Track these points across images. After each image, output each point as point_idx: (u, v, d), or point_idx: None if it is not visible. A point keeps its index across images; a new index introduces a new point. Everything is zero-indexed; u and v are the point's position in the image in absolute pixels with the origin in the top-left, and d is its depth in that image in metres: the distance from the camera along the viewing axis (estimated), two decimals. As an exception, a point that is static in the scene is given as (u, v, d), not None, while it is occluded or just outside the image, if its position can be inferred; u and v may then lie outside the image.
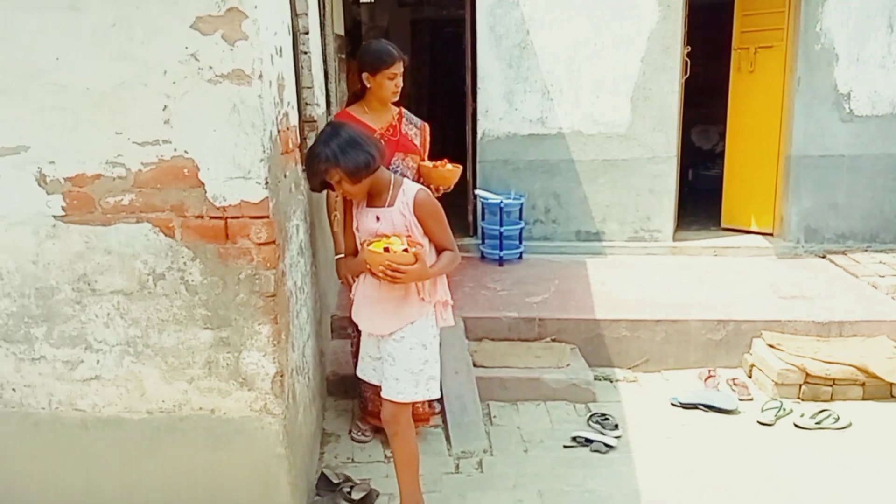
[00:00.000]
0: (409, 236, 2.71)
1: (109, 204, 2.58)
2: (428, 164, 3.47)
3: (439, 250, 2.80)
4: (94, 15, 2.42)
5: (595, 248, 5.96)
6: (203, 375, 2.73)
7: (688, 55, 5.86)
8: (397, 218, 2.73)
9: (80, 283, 2.66)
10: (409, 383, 2.77)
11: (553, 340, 4.43)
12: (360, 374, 3.08)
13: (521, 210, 5.71)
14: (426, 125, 3.60)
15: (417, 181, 3.39)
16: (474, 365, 4.08)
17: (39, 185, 2.57)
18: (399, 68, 3.31)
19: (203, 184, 2.55)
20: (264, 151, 2.52)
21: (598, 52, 5.68)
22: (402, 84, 3.36)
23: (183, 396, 2.75)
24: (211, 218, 2.58)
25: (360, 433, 3.60)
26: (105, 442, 2.79)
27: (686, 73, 5.84)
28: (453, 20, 7.69)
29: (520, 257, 5.72)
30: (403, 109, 3.53)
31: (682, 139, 6.30)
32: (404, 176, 3.31)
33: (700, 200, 7.25)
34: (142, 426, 2.77)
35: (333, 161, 2.65)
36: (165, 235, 2.60)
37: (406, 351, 2.77)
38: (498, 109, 5.84)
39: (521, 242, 5.75)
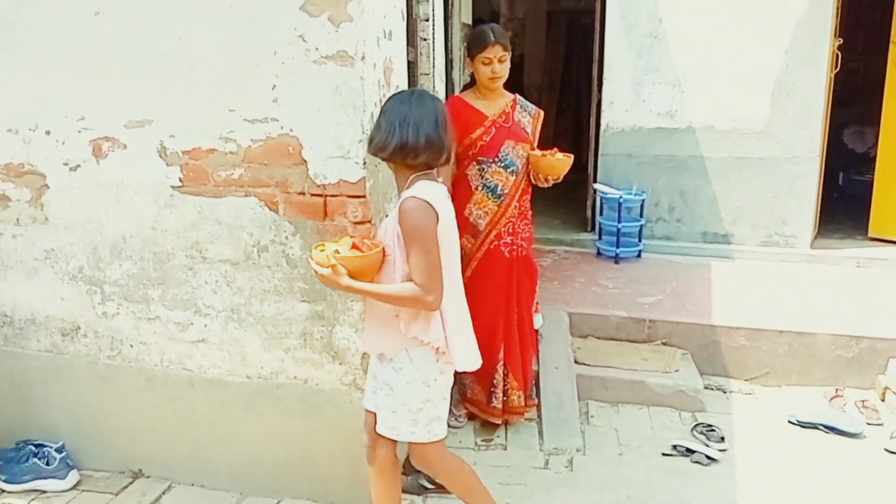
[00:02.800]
0: (364, 237, 2.36)
1: (221, 177, 2.74)
2: (537, 152, 3.37)
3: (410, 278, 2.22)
4: (214, -3, 2.57)
5: (722, 251, 5.62)
6: (299, 346, 2.83)
7: (840, 48, 5.38)
8: (390, 224, 2.29)
9: (193, 251, 2.84)
10: (406, 422, 2.35)
11: (664, 344, 4.22)
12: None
13: (642, 207, 5.49)
14: (540, 112, 3.50)
15: (527, 170, 3.37)
16: (576, 362, 3.97)
17: (160, 156, 2.77)
18: (494, 52, 3.19)
19: (306, 161, 2.64)
20: (364, 132, 2.57)
21: (737, 42, 5.33)
22: (501, 70, 3.24)
23: (280, 364, 2.87)
24: (312, 195, 2.67)
25: (454, 419, 3.61)
26: (209, 401, 2.97)
27: (836, 68, 5.36)
28: (589, 11, 7.51)
29: (638, 256, 5.51)
30: (518, 96, 3.44)
31: (831, 140, 5.82)
32: (513, 164, 3.32)
33: (850, 207, 6.65)
34: (241, 389, 2.92)
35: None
36: (270, 210, 2.73)
37: (403, 385, 2.33)
38: (624, 101, 5.64)
39: (640, 240, 5.53)
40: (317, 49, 2.53)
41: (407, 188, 2.27)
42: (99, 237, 2.91)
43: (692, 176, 5.63)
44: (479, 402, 3.49)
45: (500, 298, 3.38)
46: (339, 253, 2.21)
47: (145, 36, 2.68)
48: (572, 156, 3.35)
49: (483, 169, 3.32)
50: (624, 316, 4.30)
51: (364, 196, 2.63)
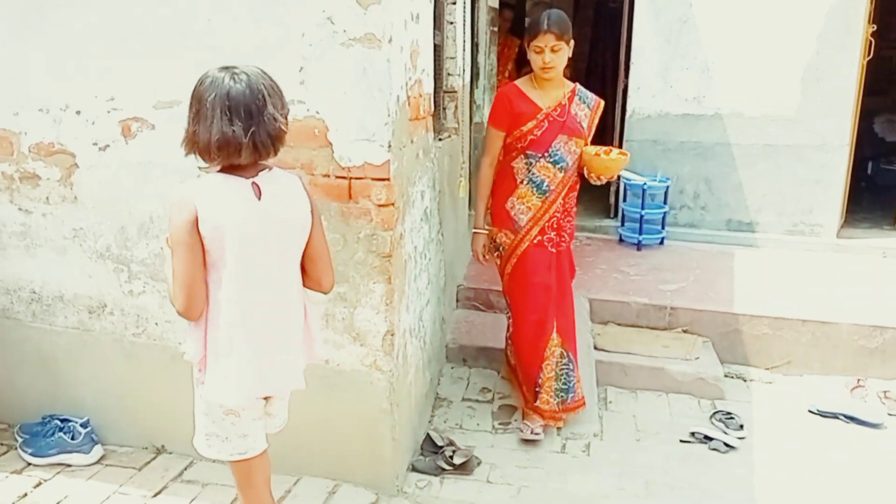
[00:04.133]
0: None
1: (247, 159, 2.75)
2: (591, 150, 3.20)
3: None
4: (242, -21, 2.57)
5: (747, 239, 5.57)
6: (321, 327, 2.85)
7: (874, 35, 5.27)
8: None
9: (219, 231, 2.86)
10: (197, 433, 2.10)
11: (684, 331, 4.21)
12: None
13: (666, 193, 5.45)
14: (600, 103, 3.29)
15: (578, 166, 3.25)
16: (595, 348, 3.98)
17: (188, 137, 2.79)
18: (545, 41, 2.99)
19: (331, 144, 2.65)
20: (389, 115, 2.58)
21: (768, 27, 5.24)
22: (554, 60, 3.03)
23: (303, 345, 2.90)
24: (336, 177, 2.68)
25: (530, 432, 3.27)
26: (233, 379, 3.01)
27: (869, 55, 5.26)
28: (618, -6, 7.41)
29: (661, 243, 5.48)
30: (578, 87, 3.22)
31: (861, 128, 5.72)
32: (563, 161, 3.17)
33: (878, 197, 6.57)
34: (265, 369, 2.96)
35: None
36: (295, 191, 2.74)
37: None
38: (651, 86, 5.58)
39: (663, 228, 5.49)
40: (344, 31, 2.53)
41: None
42: (127, 216, 2.95)
43: (718, 163, 5.57)
44: (536, 406, 3.31)
45: (547, 294, 3.26)
46: None
47: (174, 17, 2.70)
48: (628, 155, 3.22)
49: (531, 163, 3.17)
50: (645, 303, 4.29)
51: (388, 179, 2.64)
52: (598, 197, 6.28)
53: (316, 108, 2.64)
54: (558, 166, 3.17)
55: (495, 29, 6.16)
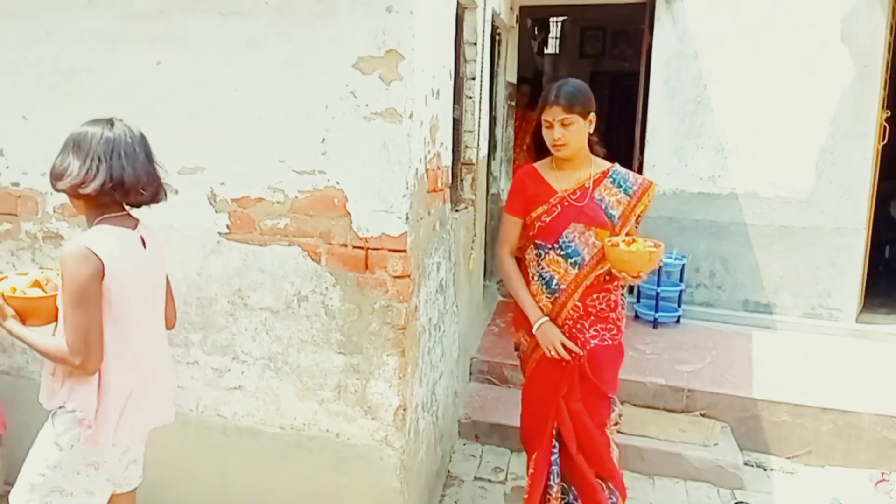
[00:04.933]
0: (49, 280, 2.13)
1: (267, 226, 2.78)
2: (613, 239, 2.62)
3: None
4: (271, 52, 2.66)
5: (763, 320, 5.49)
6: (333, 398, 2.82)
7: (889, 120, 5.33)
8: None
9: (235, 297, 2.86)
10: (23, 484, 2.06)
11: (702, 415, 4.11)
12: None
13: (682, 271, 5.42)
14: (649, 187, 2.72)
15: (600, 262, 2.66)
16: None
17: (210, 203, 2.82)
18: (553, 114, 2.59)
19: (350, 214, 2.67)
20: (407, 188, 2.60)
21: (781, 110, 5.31)
22: (565, 136, 2.60)
23: (313, 416, 2.85)
24: (354, 247, 2.69)
25: None
26: (241, 450, 2.95)
27: (884, 139, 5.30)
28: (633, 73, 7.59)
29: (677, 321, 5.41)
30: (615, 168, 2.74)
31: (878, 212, 5.71)
32: (577, 254, 2.67)
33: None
34: (274, 439, 2.90)
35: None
36: (312, 260, 2.75)
37: (38, 440, 2.09)
38: (666, 164, 5.63)
39: (679, 306, 5.44)
40: (367, 105, 2.59)
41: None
42: (144, 279, 2.95)
43: (734, 242, 5.55)
44: None
45: (546, 413, 2.78)
46: (14, 290, 2.03)
47: (200, 86, 2.77)
48: (660, 247, 2.60)
49: (540, 255, 2.72)
50: (661, 384, 4.20)
51: (405, 251, 2.64)
52: (612, 272, 6.25)
53: (336, 178, 2.67)
54: (571, 261, 2.67)
55: (512, 103, 6.29)
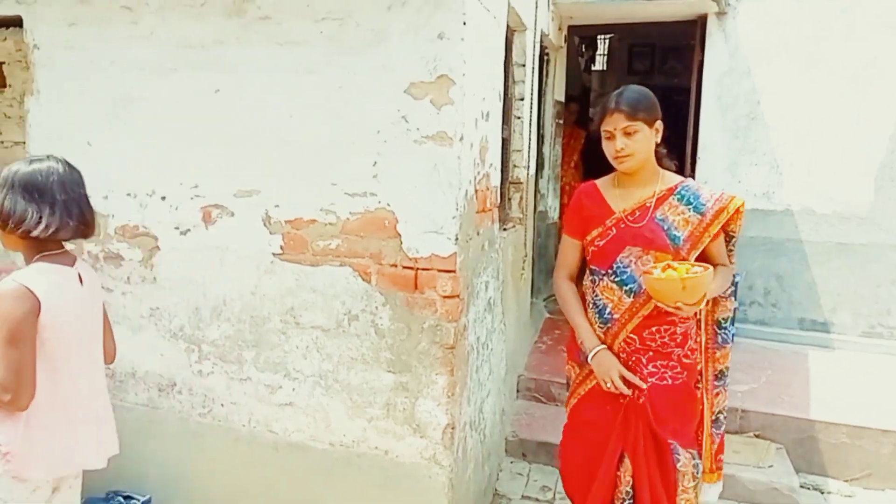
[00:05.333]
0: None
1: (319, 247, 2.84)
2: (648, 267, 2.31)
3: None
4: (324, 79, 2.73)
5: (820, 339, 5.34)
6: (381, 416, 2.85)
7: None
8: None
9: (287, 316, 2.93)
10: None
11: (756, 436, 4.02)
12: None
13: (735, 289, 5.30)
14: (728, 203, 2.35)
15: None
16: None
17: (265, 225, 2.91)
18: (614, 122, 2.32)
19: (400, 235, 2.72)
20: (457, 209, 2.64)
21: (838, 126, 5.19)
22: (629, 147, 2.31)
23: (362, 434, 2.89)
24: (403, 267, 2.73)
25: None
26: (291, 465, 3.01)
27: (947, 154, 5.13)
28: (683, 89, 7.52)
29: (731, 340, 5.29)
30: (686, 183, 2.41)
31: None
32: (633, 281, 2.38)
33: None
34: (324, 456, 2.95)
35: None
36: (363, 280, 2.80)
37: None
38: (719, 181, 5.54)
39: (733, 324, 5.30)
40: (417, 129, 2.64)
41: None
42: (202, 298, 3.05)
43: (789, 259, 5.43)
44: None
45: (596, 457, 2.46)
46: None
47: (254, 111, 2.86)
48: (704, 273, 2.21)
49: (594, 281, 2.48)
50: (714, 404, 4.12)
51: (454, 271, 2.67)
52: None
53: (387, 200, 2.73)
54: (626, 288, 2.40)
55: (560, 121, 6.29)
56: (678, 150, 6.49)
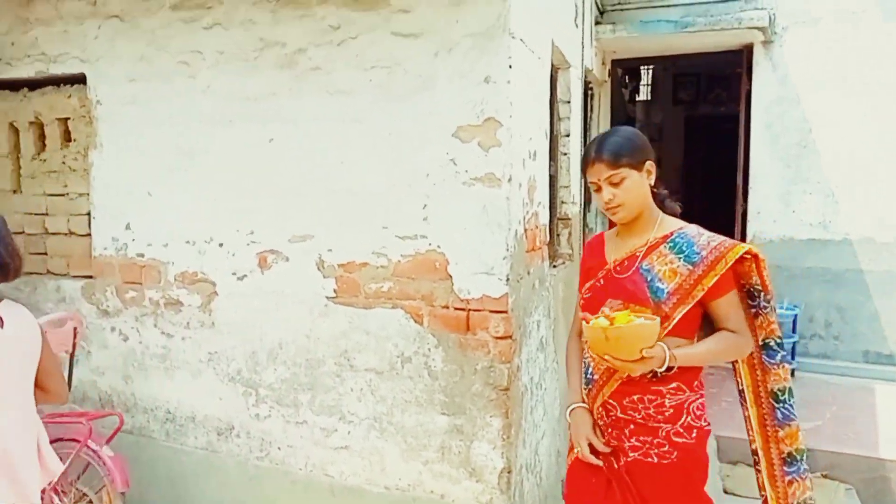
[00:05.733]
0: None
1: (371, 290, 2.88)
2: (592, 319, 2.02)
3: None
4: (373, 126, 2.80)
5: (887, 373, 5.14)
6: (437, 459, 2.84)
7: None
8: None
9: (341, 359, 2.96)
10: None
11: (823, 476, 3.86)
12: None
13: (794, 322, 5.17)
14: (727, 252, 2.01)
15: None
16: (724, 492, 3.71)
17: (318, 269, 2.96)
18: (597, 173, 2.08)
19: (451, 277, 2.73)
20: (507, 250, 2.64)
21: (893, 152, 5.05)
22: (619, 196, 2.07)
23: (418, 477, 2.88)
24: (455, 309, 2.74)
25: None
26: (347, 509, 3.01)
27: None
28: (730, 117, 7.44)
29: (791, 375, 5.12)
30: (683, 231, 2.11)
31: None
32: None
33: None
34: (380, 500, 2.94)
35: None
36: (415, 322, 2.82)
37: None
38: (772, 211, 5.44)
39: (793, 358, 5.17)
40: (466, 171, 2.67)
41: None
42: (258, 342, 3.11)
43: (850, 290, 5.27)
44: None
45: None
46: None
47: (307, 160, 2.94)
48: (652, 321, 1.94)
49: (584, 336, 2.18)
50: (778, 442, 3.98)
51: (506, 311, 2.66)
52: (718, 323, 6.04)
53: (437, 242, 2.75)
54: None
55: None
56: (728, 180, 6.40)
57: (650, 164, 2.11)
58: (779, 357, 2.20)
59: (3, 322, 2.10)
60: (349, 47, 2.82)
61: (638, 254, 2.11)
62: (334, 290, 2.94)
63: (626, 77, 9.43)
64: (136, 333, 3.39)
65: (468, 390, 2.74)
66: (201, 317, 3.22)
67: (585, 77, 4.61)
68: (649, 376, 2.04)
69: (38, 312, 3.43)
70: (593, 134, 5.53)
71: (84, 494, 3.04)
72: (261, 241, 3.06)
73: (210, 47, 3.07)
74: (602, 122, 5.86)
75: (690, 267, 2.03)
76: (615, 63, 6.19)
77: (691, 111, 9.36)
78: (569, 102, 4.08)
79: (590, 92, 5.20)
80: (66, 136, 3.56)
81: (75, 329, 3.16)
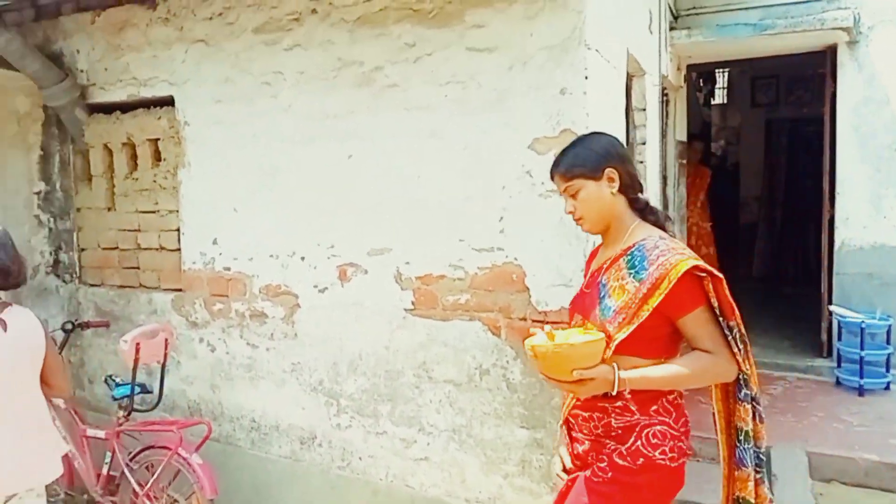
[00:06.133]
0: None
1: (449, 302, 2.90)
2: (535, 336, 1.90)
3: None
4: (449, 140, 2.83)
5: None
6: (517, 473, 2.83)
7: None
8: None
9: (420, 370, 2.99)
10: None
11: (926, 495, 3.65)
12: None
13: (888, 333, 4.91)
14: (672, 269, 1.81)
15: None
16: (816, 509, 3.54)
17: (396, 281, 3.00)
18: (557, 187, 2.03)
19: (528, 289, 2.73)
20: (585, 261, 2.61)
21: None
22: (579, 208, 1.98)
23: (498, 490, 2.87)
24: (533, 321, 2.73)
25: None
26: (428, 520, 3.03)
27: None
28: (813, 119, 7.16)
29: (886, 388, 4.88)
30: (643, 243, 1.91)
31: None
32: None
33: None
34: (460, 511, 2.96)
35: None
36: (492, 334, 2.82)
37: None
38: (861, 216, 5.19)
39: (888, 370, 4.91)
40: (542, 183, 2.66)
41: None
42: (339, 353, 3.17)
43: (949, 299, 4.96)
44: None
45: None
46: None
47: (385, 175, 3.00)
48: (598, 339, 1.81)
49: None
50: (875, 460, 3.78)
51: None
52: (805, 332, 5.80)
53: (514, 254, 2.75)
54: None
55: (684, 161, 6.13)
56: (814, 184, 6.15)
57: (611, 171, 1.96)
58: (742, 394, 1.94)
59: (6, 326, 2.28)
60: (424, 64, 2.87)
61: (605, 266, 2.00)
62: (412, 303, 2.98)
63: (701, 81, 9.22)
64: (223, 344, 3.51)
65: (548, 403, 2.73)
66: (285, 328, 3.32)
67: (661, 83, 4.53)
68: (604, 394, 1.87)
69: (131, 324, 3.63)
70: (670, 140, 5.43)
71: (175, 500, 3.17)
72: (341, 255, 3.13)
73: (291, 68, 3.18)
74: (678, 127, 5.74)
75: (637, 284, 1.86)
76: (690, 68, 6.06)
77: (772, 114, 9.04)
78: (644, 110, 4.02)
79: (665, 98, 5.10)
80: (157, 156, 3.74)
81: (166, 340, 3.31)
